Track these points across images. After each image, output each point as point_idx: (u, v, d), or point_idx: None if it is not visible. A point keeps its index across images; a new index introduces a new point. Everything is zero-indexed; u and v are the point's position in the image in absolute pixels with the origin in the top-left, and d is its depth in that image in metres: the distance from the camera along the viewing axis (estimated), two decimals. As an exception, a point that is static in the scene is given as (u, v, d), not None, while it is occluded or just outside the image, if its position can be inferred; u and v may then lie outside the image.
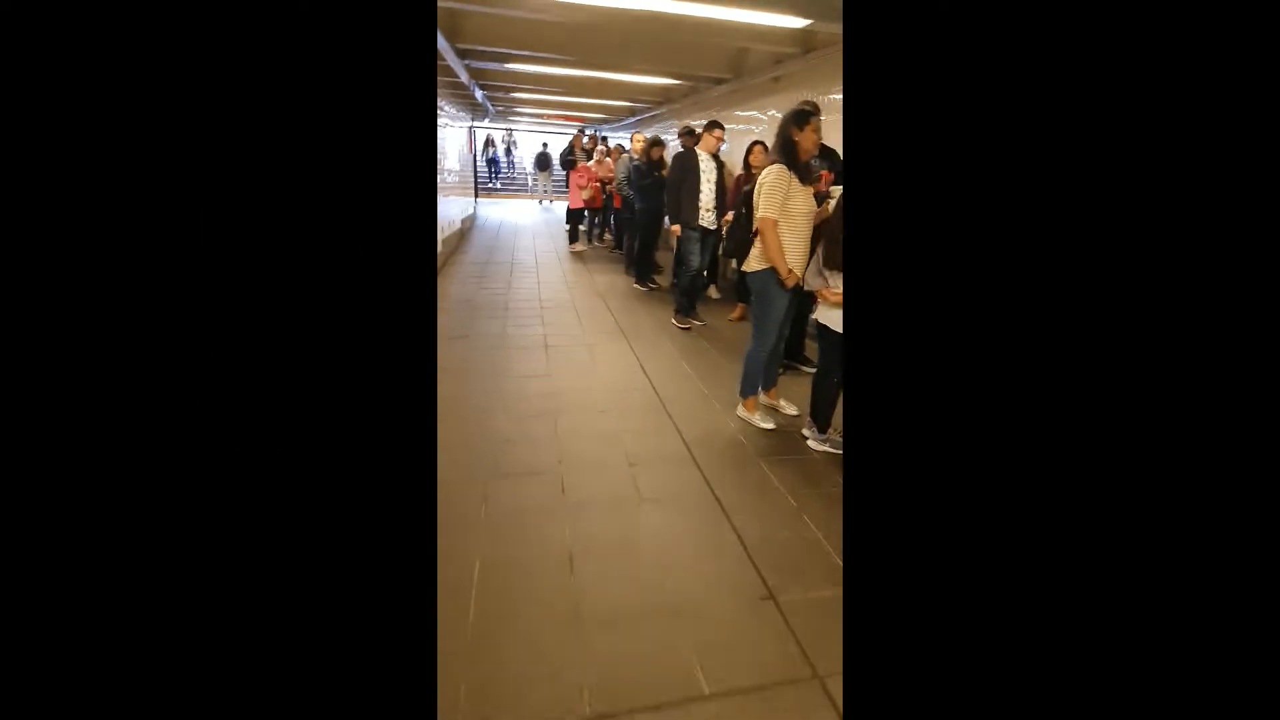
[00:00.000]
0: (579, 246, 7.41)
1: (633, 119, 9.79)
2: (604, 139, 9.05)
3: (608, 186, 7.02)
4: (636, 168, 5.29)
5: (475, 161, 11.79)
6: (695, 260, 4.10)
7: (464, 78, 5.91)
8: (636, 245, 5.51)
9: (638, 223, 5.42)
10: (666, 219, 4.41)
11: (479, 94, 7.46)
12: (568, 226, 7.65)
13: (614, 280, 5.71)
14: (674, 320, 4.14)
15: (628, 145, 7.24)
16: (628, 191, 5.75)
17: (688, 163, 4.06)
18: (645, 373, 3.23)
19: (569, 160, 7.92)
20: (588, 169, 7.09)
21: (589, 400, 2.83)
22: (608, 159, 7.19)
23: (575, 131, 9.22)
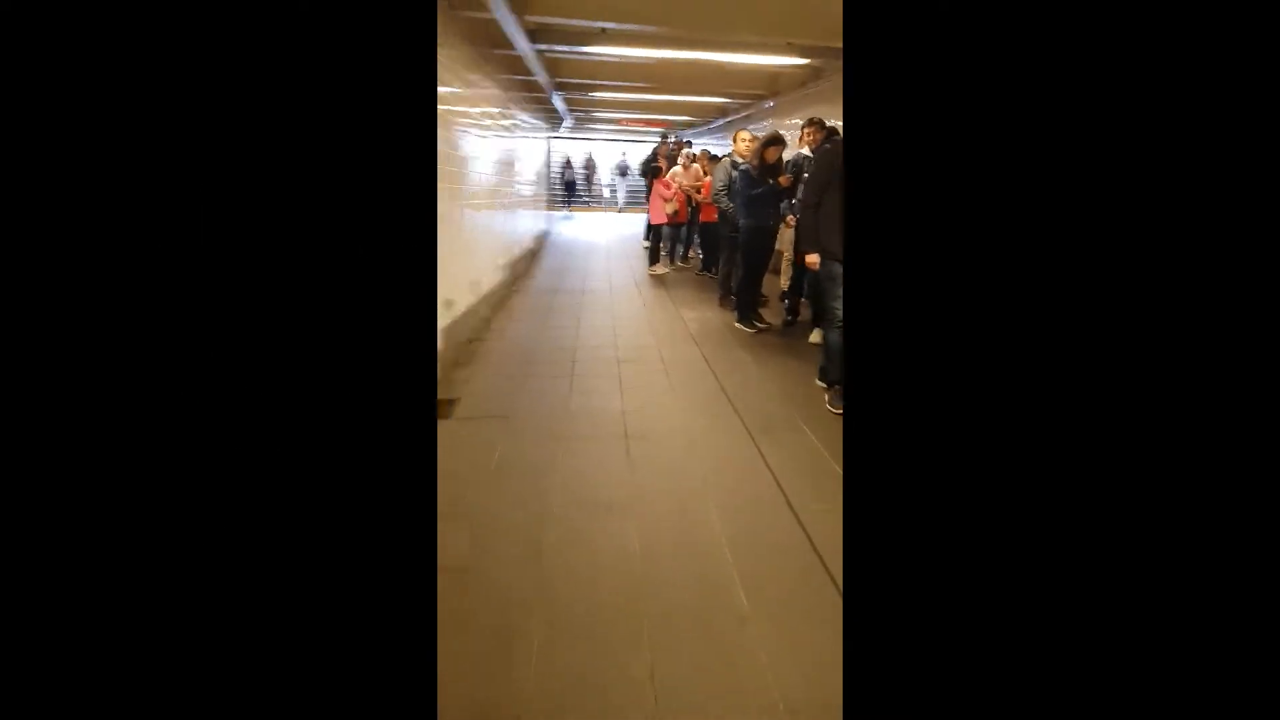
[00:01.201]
0: (660, 269, 6.24)
1: (722, 120, 8.57)
2: (688, 143, 7.89)
3: (695, 197, 5.82)
4: (744, 173, 4.04)
5: (548, 176, 11.00)
6: (840, 306, 2.77)
7: (540, 77, 4.88)
8: (739, 272, 4.26)
9: (741, 243, 4.17)
10: (797, 244, 3.10)
11: (555, 98, 6.46)
12: (646, 244, 6.50)
13: (707, 317, 4.48)
14: (827, 401, 2.82)
15: (716, 151, 6.03)
16: (727, 204, 4.52)
17: (835, 165, 2.73)
18: (791, 506, 1.97)
19: (653, 168, 6.79)
20: (669, 179, 5.92)
21: (713, 578, 1.60)
22: (695, 165, 6.00)
23: (658, 139, 8.13)
